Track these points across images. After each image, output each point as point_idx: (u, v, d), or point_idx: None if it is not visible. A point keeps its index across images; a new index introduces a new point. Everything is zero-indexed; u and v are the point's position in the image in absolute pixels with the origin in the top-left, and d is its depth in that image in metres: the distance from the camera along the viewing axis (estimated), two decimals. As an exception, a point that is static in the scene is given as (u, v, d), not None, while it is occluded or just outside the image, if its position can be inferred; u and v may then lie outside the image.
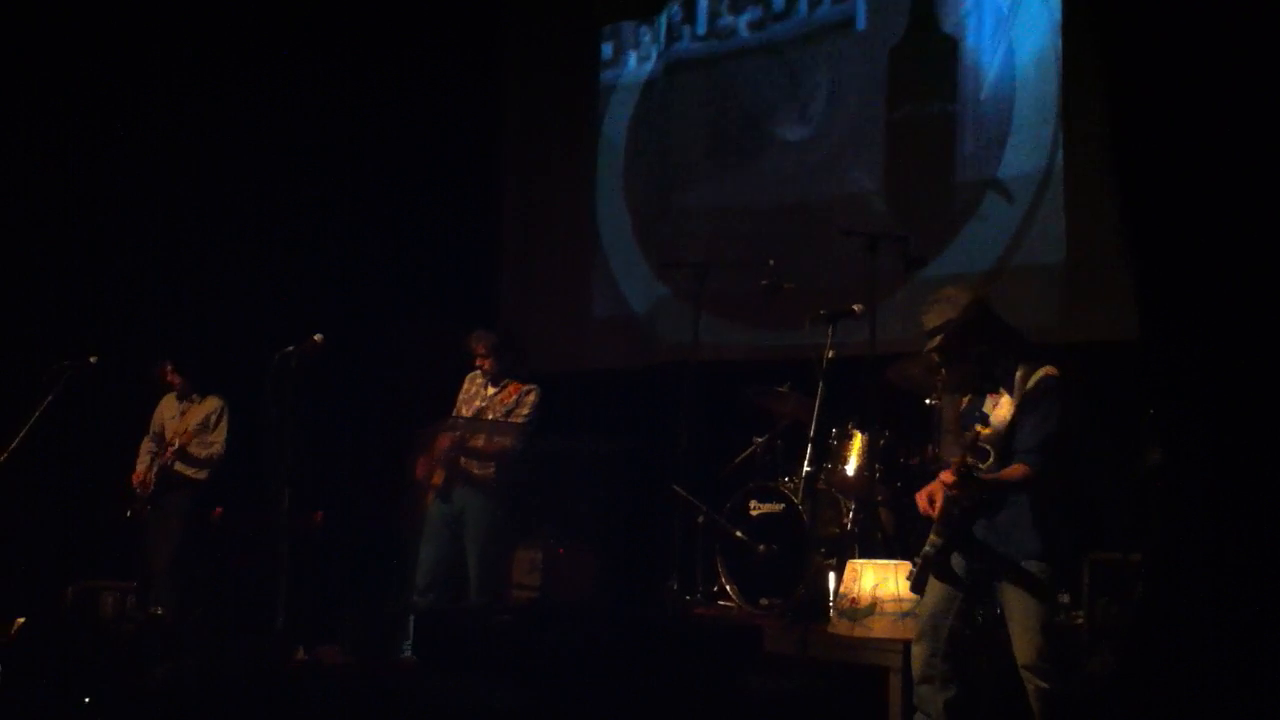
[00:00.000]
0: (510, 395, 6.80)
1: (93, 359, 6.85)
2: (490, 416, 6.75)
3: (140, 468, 7.46)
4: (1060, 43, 6.99)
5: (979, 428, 4.52)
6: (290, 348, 6.15)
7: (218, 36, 8.62)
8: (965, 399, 4.70)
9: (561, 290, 9.30)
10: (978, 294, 4.69)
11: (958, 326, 4.58)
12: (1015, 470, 4.48)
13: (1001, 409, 4.52)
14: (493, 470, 6.66)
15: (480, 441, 6.68)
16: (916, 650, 4.69)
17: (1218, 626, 5.12)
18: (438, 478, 6.62)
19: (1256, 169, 5.22)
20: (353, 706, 5.44)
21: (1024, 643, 4.49)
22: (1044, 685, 4.45)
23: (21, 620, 5.86)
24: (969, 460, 4.45)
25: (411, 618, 6.40)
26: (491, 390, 6.86)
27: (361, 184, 9.16)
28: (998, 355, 4.60)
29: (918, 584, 4.61)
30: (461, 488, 6.64)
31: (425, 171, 9.21)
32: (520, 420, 6.73)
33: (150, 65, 8.49)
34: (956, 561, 4.58)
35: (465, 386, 6.98)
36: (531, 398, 6.78)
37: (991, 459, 4.48)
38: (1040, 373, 4.52)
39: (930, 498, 4.60)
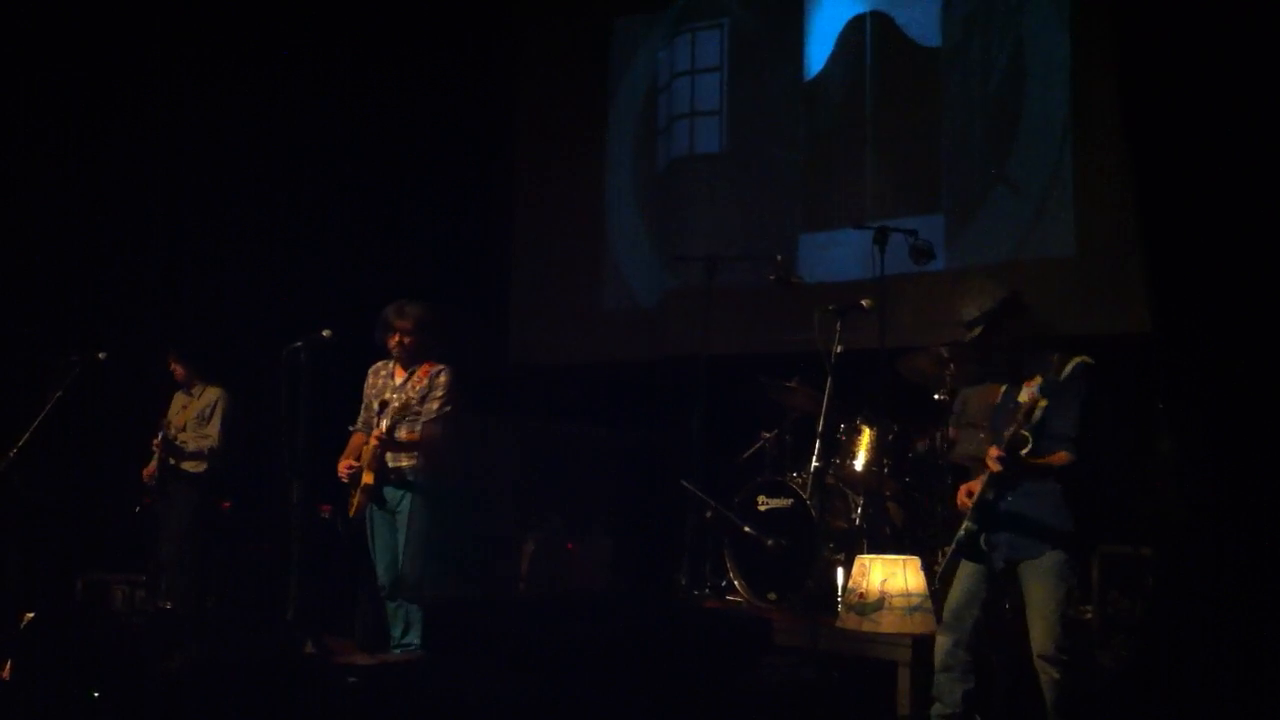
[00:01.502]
0: (421, 380, 6.26)
1: (101, 355, 6.87)
2: (406, 403, 6.24)
3: (152, 463, 7.48)
4: (1070, 34, 6.97)
5: (1037, 400, 4.51)
6: (299, 342, 6.16)
7: (230, 27, 8.63)
8: (1000, 390, 4.74)
9: (571, 283, 9.31)
10: (1012, 287, 4.73)
11: (996, 318, 4.61)
12: (1059, 457, 4.53)
13: (1039, 398, 4.54)
14: (417, 461, 6.23)
15: (403, 433, 6.21)
16: (940, 640, 4.72)
17: (1228, 620, 5.11)
18: (368, 477, 6.20)
19: (1270, 163, 5.21)
20: (362, 699, 5.45)
21: (1041, 632, 4.51)
22: (1058, 676, 4.46)
23: (30, 614, 5.87)
24: (1019, 437, 4.46)
25: (394, 611, 6.32)
26: (400, 378, 6.34)
27: (371, 178, 9.17)
28: (1033, 346, 4.64)
29: (946, 572, 4.65)
30: (391, 486, 6.24)
31: (435, 165, 9.22)
32: (436, 404, 6.22)
33: (154, 61, 8.50)
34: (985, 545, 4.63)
35: (370, 380, 6.47)
36: (443, 379, 6.25)
37: (1030, 446, 4.50)
38: (1074, 360, 4.58)
39: (969, 492, 4.64)
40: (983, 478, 4.61)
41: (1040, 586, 4.55)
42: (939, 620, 5.51)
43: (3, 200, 7.99)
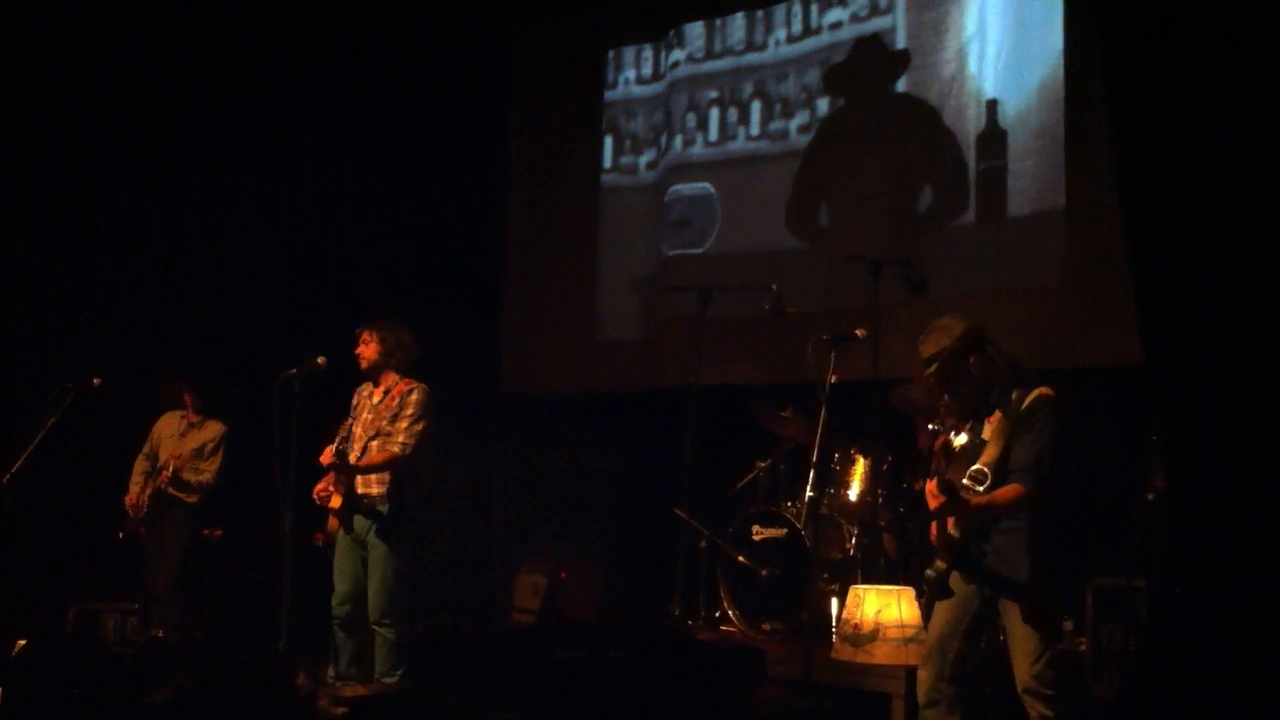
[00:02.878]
0: (393, 399, 6.21)
1: (95, 381, 6.83)
2: (377, 424, 6.19)
3: (134, 489, 7.40)
4: (1063, 69, 7.01)
5: (954, 439, 4.52)
6: (293, 370, 6.15)
7: (223, 57, 8.66)
8: (966, 426, 4.72)
9: (566, 313, 9.33)
10: (973, 323, 4.73)
11: (951, 354, 4.63)
12: (1009, 490, 4.48)
13: (997, 433, 4.53)
14: (390, 486, 6.13)
15: (372, 453, 6.12)
16: (922, 674, 4.68)
17: (1222, 651, 5.10)
18: (335, 501, 6.13)
19: (1262, 192, 5.23)
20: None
21: (1022, 667, 4.50)
22: (1045, 711, 4.45)
23: (23, 642, 5.84)
24: (957, 481, 4.45)
25: (343, 639, 6.27)
26: (377, 398, 6.30)
27: (366, 207, 9.18)
28: (992, 381, 4.64)
29: (926, 612, 4.62)
30: (360, 514, 6.16)
31: (429, 195, 9.24)
32: (406, 423, 6.14)
33: (153, 80, 8.53)
34: (957, 583, 4.60)
35: (355, 401, 6.44)
36: (415, 396, 6.17)
37: (989, 482, 4.49)
38: (1034, 394, 4.53)
39: (937, 524, 4.63)
40: (951, 518, 4.58)
41: (1018, 624, 4.52)
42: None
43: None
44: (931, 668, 4.66)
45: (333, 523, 6.29)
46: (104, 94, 8.41)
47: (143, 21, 8.45)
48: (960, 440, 4.69)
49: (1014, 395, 4.56)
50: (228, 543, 7.47)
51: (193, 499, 7.26)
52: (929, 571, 4.57)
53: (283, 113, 8.87)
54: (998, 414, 4.56)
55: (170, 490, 7.20)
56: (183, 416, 7.46)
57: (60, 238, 8.28)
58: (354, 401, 6.47)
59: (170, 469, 7.17)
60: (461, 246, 9.42)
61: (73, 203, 8.33)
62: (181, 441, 7.34)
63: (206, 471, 7.26)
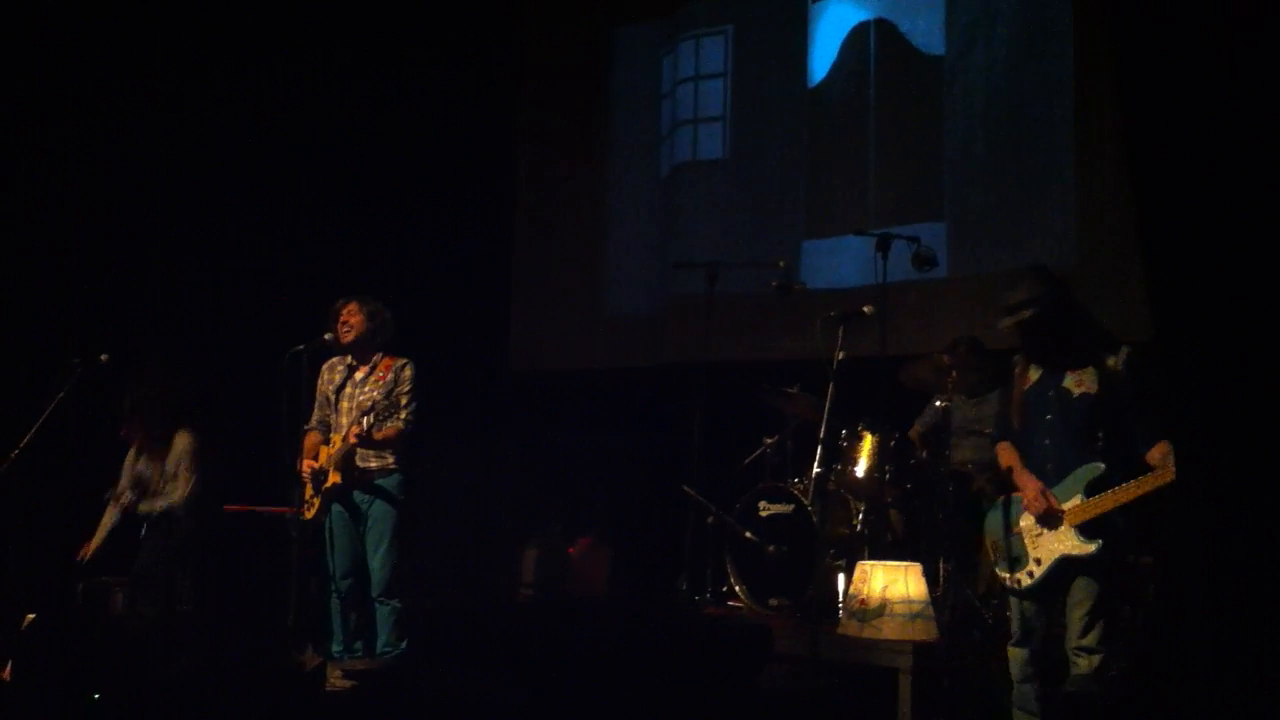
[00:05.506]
0: (386, 373, 6.14)
1: (103, 357, 6.80)
2: (372, 400, 6.03)
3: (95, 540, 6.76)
4: (1073, 42, 6.98)
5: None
6: (300, 347, 6.13)
7: (232, 52, 8.65)
8: (1033, 376, 4.68)
9: (573, 290, 9.33)
10: (1057, 273, 4.71)
11: (1050, 300, 4.55)
12: (1163, 448, 4.39)
13: (1089, 386, 4.52)
14: (391, 461, 6.09)
15: (379, 431, 5.96)
16: (1017, 653, 4.70)
17: (1231, 631, 5.09)
18: (334, 478, 6.01)
19: (1274, 169, 5.21)
20: (358, 704, 5.45)
21: (1078, 627, 4.52)
22: (1096, 662, 4.47)
23: (31, 616, 5.86)
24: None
25: (337, 614, 6.20)
26: (361, 373, 6.19)
27: (373, 184, 9.17)
28: (1077, 331, 4.60)
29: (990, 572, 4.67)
30: (359, 489, 6.08)
31: (437, 171, 9.23)
32: (405, 399, 6.05)
33: (162, 69, 8.52)
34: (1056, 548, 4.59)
35: (325, 376, 6.28)
36: (408, 372, 6.13)
37: (1101, 439, 4.48)
38: (1125, 351, 4.52)
39: (1044, 491, 4.59)
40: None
41: (1085, 579, 4.54)
42: (939, 628, 5.52)
43: (4, 204, 8.00)
44: (1026, 650, 4.68)
45: (318, 501, 6.15)
46: (110, 76, 8.39)
47: (149, 15, 8.44)
48: (1036, 389, 4.65)
49: (1105, 350, 4.53)
50: (237, 520, 7.47)
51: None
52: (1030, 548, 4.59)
53: (287, 91, 8.86)
54: (1090, 368, 4.53)
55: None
56: (139, 451, 6.84)
57: (71, 217, 8.29)
58: (324, 377, 6.29)
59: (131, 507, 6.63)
60: (470, 225, 9.42)
61: (81, 185, 8.34)
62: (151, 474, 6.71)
63: (172, 493, 6.60)
